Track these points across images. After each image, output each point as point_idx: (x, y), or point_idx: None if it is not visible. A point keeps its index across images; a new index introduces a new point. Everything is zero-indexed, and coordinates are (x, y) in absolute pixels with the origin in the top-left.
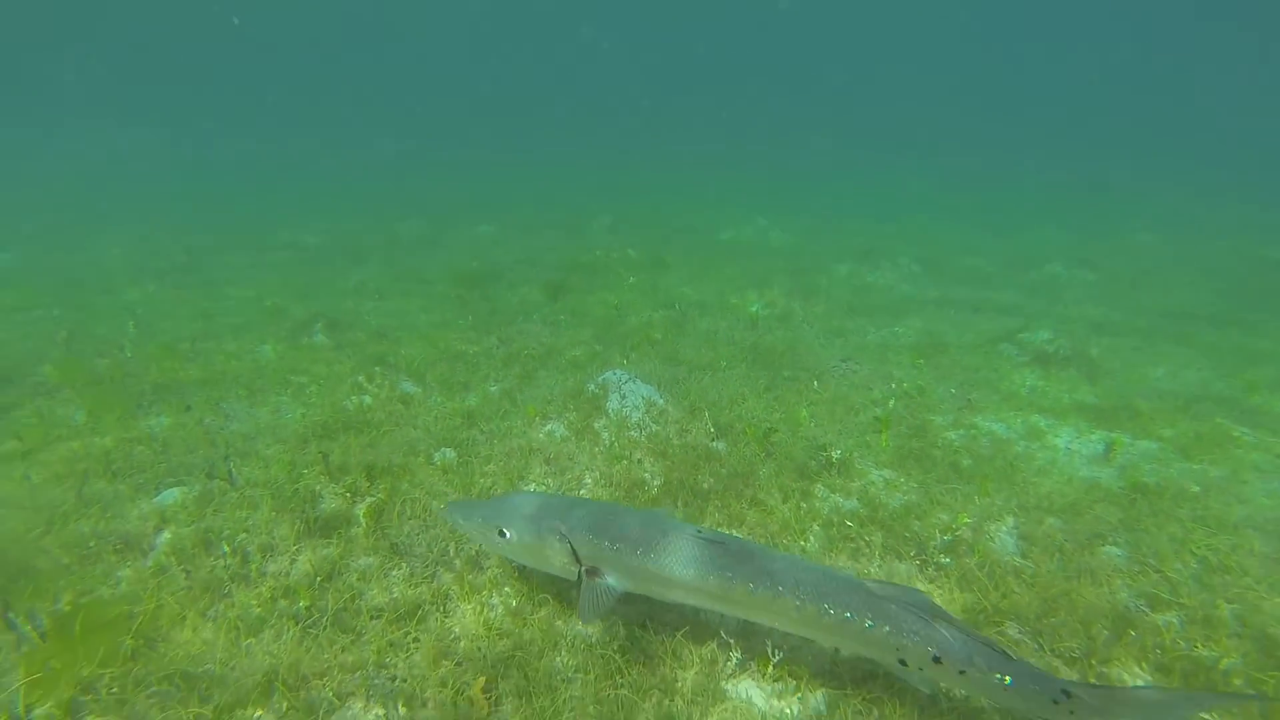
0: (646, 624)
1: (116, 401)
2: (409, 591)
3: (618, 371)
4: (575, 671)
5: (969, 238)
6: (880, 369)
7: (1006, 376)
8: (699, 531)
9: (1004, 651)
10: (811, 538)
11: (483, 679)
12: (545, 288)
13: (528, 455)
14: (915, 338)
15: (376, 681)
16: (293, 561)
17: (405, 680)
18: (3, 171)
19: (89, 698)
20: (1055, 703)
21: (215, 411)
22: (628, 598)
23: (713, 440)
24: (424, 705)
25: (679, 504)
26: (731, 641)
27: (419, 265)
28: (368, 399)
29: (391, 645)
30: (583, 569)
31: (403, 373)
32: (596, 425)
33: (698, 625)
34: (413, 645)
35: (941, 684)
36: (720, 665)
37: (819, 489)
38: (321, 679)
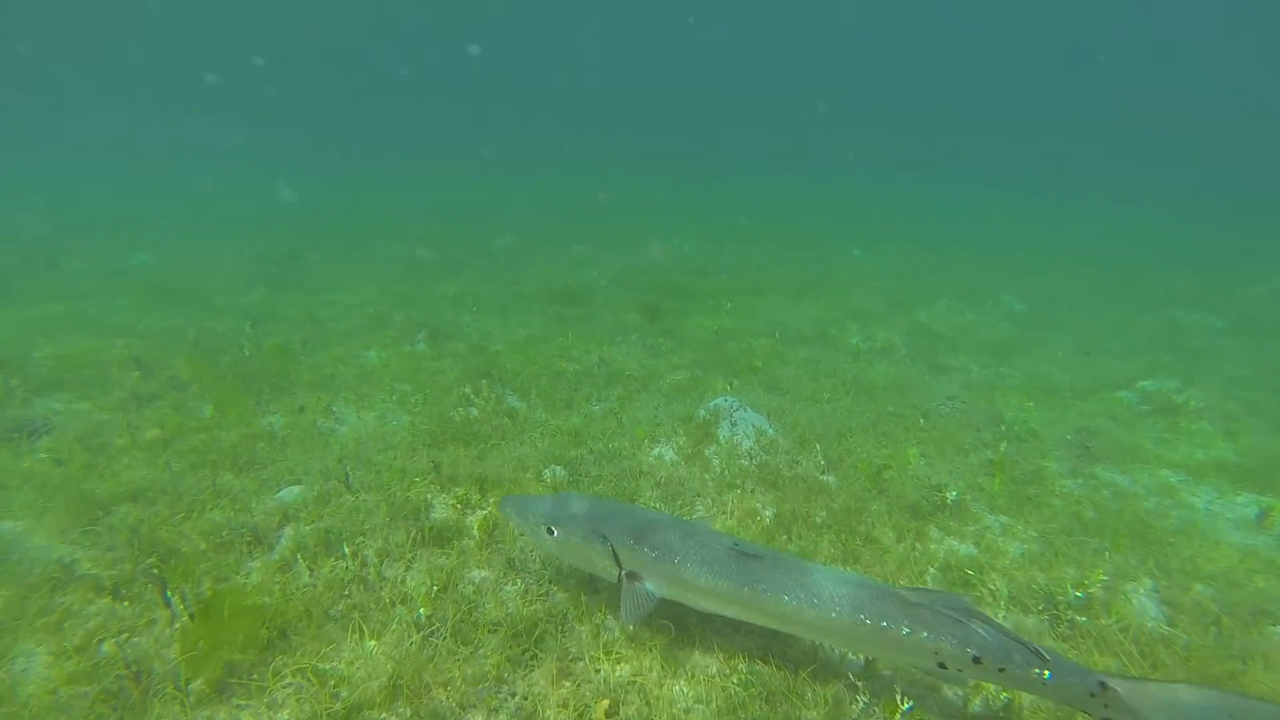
0: (768, 657)
1: (238, 398)
2: (524, 608)
3: (729, 399)
4: (695, 702)
5: (1075, 275)
6: (987, 409)
7: (1128, 426)
8: (735, 544)
9: (1039, 649)
10: (929, 580)
11: (606, 702)
12: (641, 309)
13: (638, 478)
14: (1022, 379)
15: (492, 694)
16: (408, 568)
17: (526, 698)
18: (146, 175)
19: (234, 680)
20: (1092, 695)
21: (326, 414)
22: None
23: (823, 473)
24: None
25: (791, 536)
26: (860, 685)
27: (513, 279)
28: (474, 411)
29: (510, 661)
30: (623, 573)
31: (508, 387)
32: (707, 452)
33: (822, 664)
34: (531, 662)
35: (982, 682)
36: (846, 707)
37: (932, 530)
38: (443, 689)
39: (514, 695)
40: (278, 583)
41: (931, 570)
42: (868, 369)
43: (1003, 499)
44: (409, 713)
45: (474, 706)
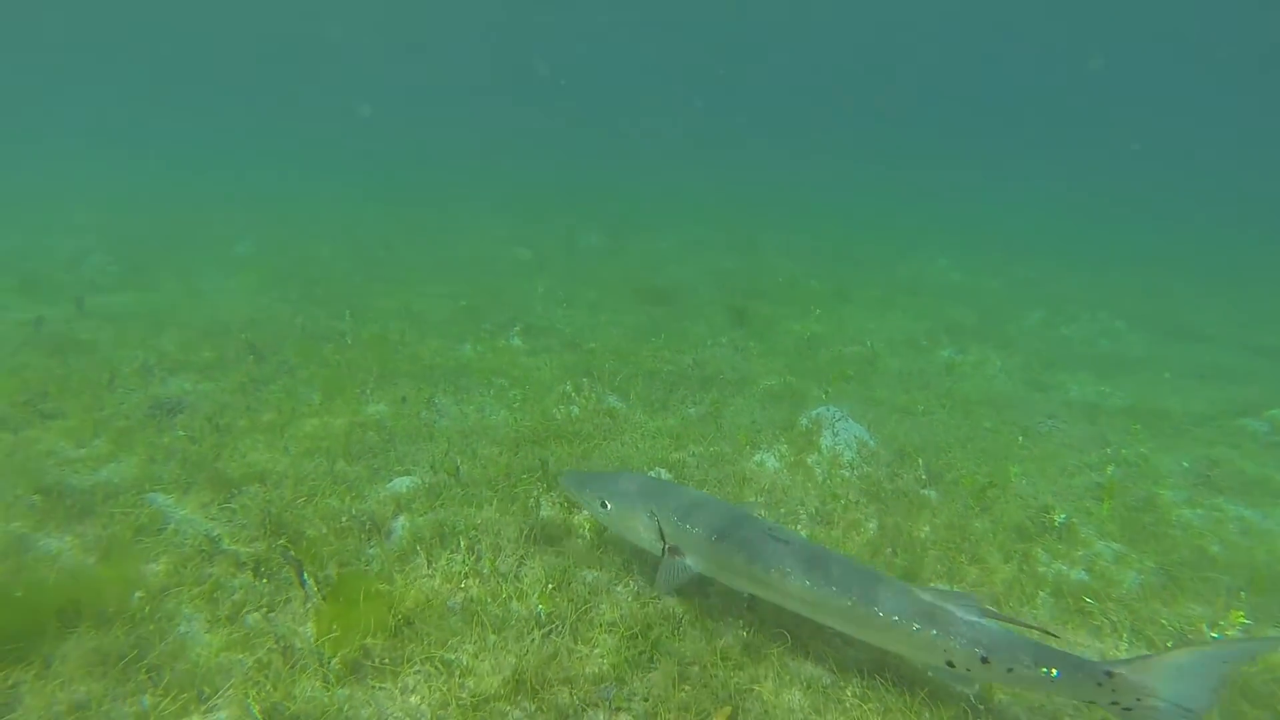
0: (881, 672)
1: (344, 386)
2: (638, 610)
3: (830, 408)
4: (812, 712)
5: (1180, 291)
6: (1089, 430)
7: (1254, 457)
8: (771, 529)
9: (1047, 645)
10: (1040, 605)
11: (728, 709)
12: (729, 311)
13: (741, 484)
14: (1127, 400)
15: (615, 695)
16: (520, 563)
17: (646, 699)
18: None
19: (367, 662)
20: (1099, 685)
21: (428, 406)
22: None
23: (924, 488)
24: None
25: (896, 551)
26: (981, 706)
27: (600, 276)
28: (575, 409)
29: (628, 662)
30: (666, 546)
31: (607, 386)
32: (809, 460)
33: (937, 689)
34: (649, 664)
35: (990, 683)
36: None
37: (1039, 553)
38: (566, 686)
39: (634, 697)
40: (398, 571)
41: (1042, 594)
42: (961, 382)
43: (1113, 525)
44: (533, 708)
45: (596, 705)
